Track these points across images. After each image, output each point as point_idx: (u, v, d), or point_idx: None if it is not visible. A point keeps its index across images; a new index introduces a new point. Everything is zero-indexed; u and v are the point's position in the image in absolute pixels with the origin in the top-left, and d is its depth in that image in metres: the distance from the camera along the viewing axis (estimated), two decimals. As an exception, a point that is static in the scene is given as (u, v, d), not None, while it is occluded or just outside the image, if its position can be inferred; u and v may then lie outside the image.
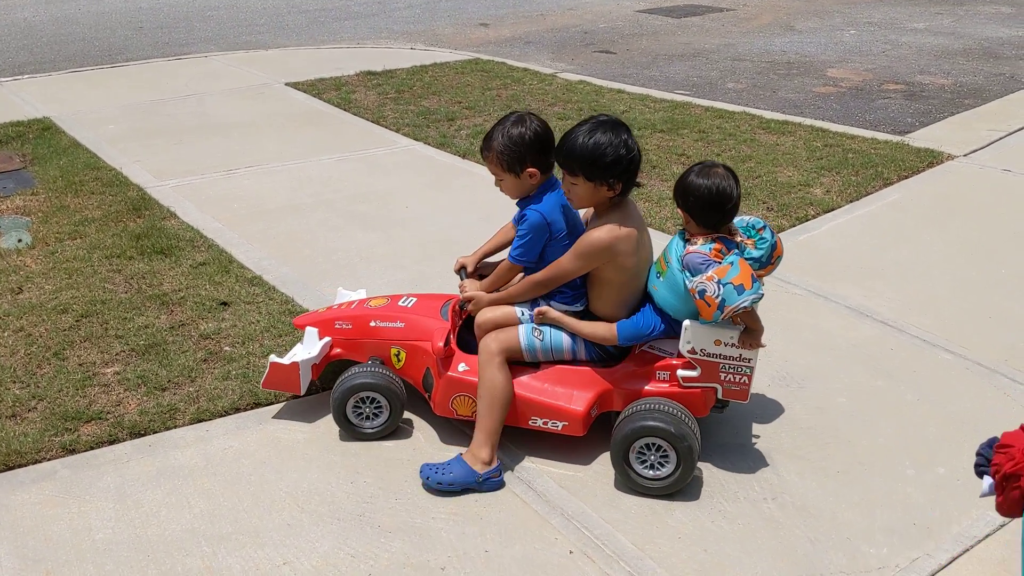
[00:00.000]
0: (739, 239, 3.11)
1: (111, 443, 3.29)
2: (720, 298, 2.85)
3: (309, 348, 3.42)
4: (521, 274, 3.31)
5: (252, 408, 3.50)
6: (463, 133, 6.99)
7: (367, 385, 3.25)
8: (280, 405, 3.51)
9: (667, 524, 2.93)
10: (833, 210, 5.47)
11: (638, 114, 7.48)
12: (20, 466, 3.16)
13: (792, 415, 3.49)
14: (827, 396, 3.62)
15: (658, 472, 3.02)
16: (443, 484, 3.01)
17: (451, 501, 3.01)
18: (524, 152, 3.15)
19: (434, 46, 10.67)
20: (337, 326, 3.47)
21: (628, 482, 3.05)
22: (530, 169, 3.17)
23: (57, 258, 4.73)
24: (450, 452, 3.18)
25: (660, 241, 3.30)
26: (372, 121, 7.39)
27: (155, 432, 3.35)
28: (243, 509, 2.97)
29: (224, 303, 4.24)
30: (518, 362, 3.20)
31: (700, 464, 3.19)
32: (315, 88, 8.38)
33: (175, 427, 3.38)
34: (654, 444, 2.99)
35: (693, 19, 12.71)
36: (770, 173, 6.05)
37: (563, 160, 3.07)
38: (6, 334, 3.96)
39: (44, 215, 5.34)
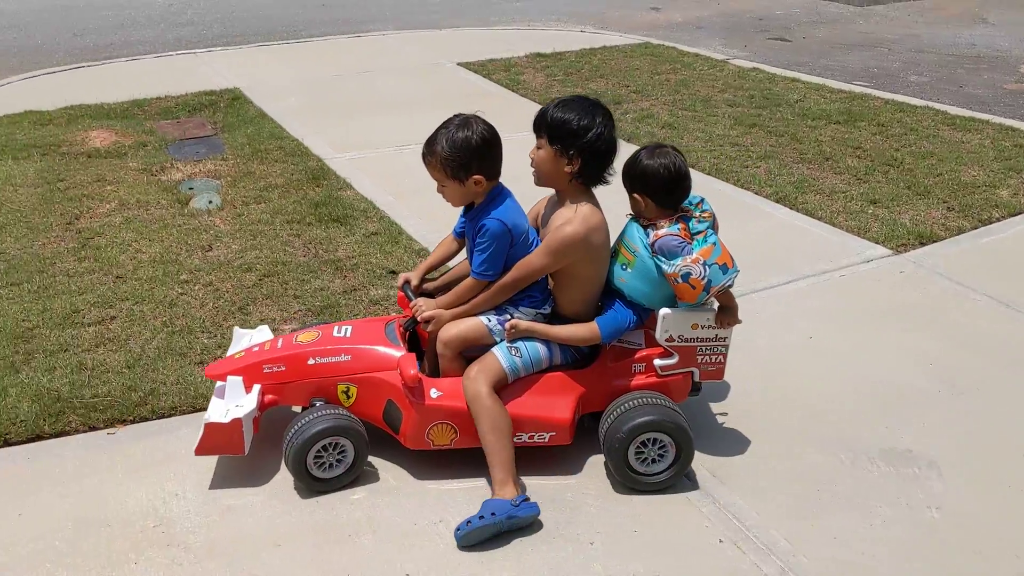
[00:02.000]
0: (695, 215, 3.03)
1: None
2: (706, 279, 2.84)
3: (237, 400, 3.01)
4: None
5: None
6: (629, 117, 6.98)
7: (329, 430, 2.92)
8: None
9: (821, 523, 2.88)
10: (1021, 213, 5.16)
11: (813, 104, 7.25)
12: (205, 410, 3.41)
13: (962, 424, 3.34)
14: (1004, 406, 3.44)
15: (657, 466, 2.99)
16: (485, 518, 2.73)
17: (599, 478, 3.05)
18: (470, 158, 2.93)
19: (603, 29, 10.66)
20: (267, 370, 3.06)
21: (628, 482, 2.99)
22: (476, 176, 2.96)
23: (243, 220, 5.05)
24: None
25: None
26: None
27: (326, 388, 3.54)
28: (414, 456, 3.08)
29: (393, 272, 4.42)
30: None
31: (863, 465, 3.11)
32: (485, 68, 8.54)
33: (344, 385, 3.56)
34: (652, 439, 2.95)
35: (876, 7, 12.16)
36: (952, 171, 5.75)
37: (536, 119, 3.00)
38: (196, 288, 4.28)
39: (232, 179, 5.70)
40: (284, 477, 3.04)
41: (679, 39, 10.05)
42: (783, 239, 4.90)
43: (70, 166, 5.92)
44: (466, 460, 3.05)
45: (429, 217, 5.16)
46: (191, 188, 5.53)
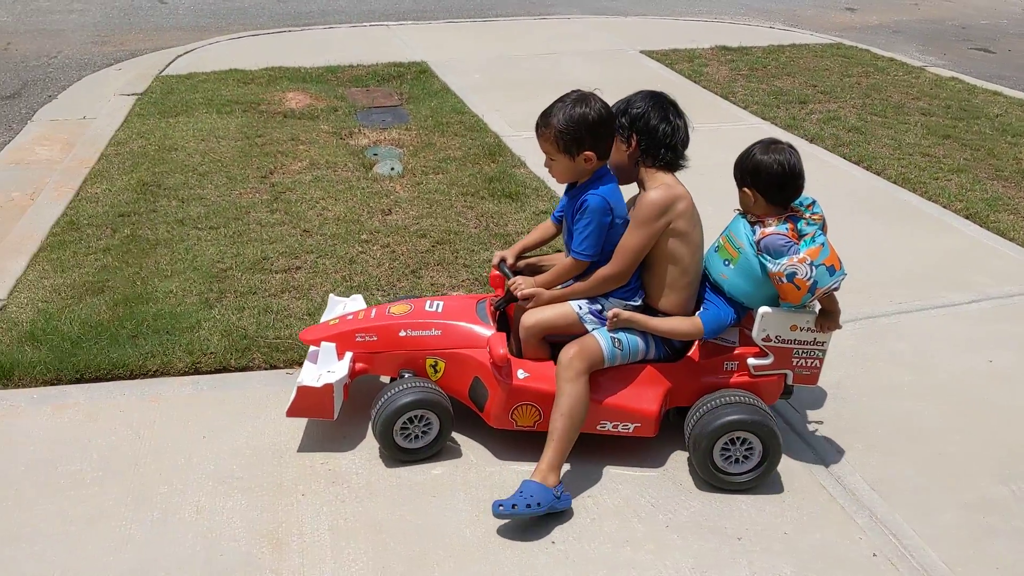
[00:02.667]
0: (805, 216, 2.91)
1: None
2: (812, 280, 2.75)
3: (329, 366, 3.07)
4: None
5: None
6: (814, 117, 6.78)
7: (416, 403, 2.96)
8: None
9: (984, 551, 2.75)
10: None
11: (1014, 119, 6.83)
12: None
13: None
14: None
15: (742, 466, 2.93)
16: (531, 507, 2.71)
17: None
18: (584, 134, 2.88)
19: (794, 27, 10.36)
20: (359, 339, 3.12)
21: (711, 479, 2.95)
22: (587, 153, 2.91)
23: (421, 188, 5.25)
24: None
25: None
26: (720, 96, 7.37)
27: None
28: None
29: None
30: None
31: (1034, 499, 2.96)
32: (668, 58, 8.48)
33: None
34: (739, 438, 2.88)
35: (1097, 21, 11.27)
36: None
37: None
38: (375, 248, 4.49)
39: (414, 149, 5.92)
40: (372, 443, 3.13)
41: (873, 42, 9.64)
42: (970, 257, 4.66)
43: (268, 124, 6.30)
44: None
45: (600, 201, 5.19)
46: (376, 154, 5.78)
